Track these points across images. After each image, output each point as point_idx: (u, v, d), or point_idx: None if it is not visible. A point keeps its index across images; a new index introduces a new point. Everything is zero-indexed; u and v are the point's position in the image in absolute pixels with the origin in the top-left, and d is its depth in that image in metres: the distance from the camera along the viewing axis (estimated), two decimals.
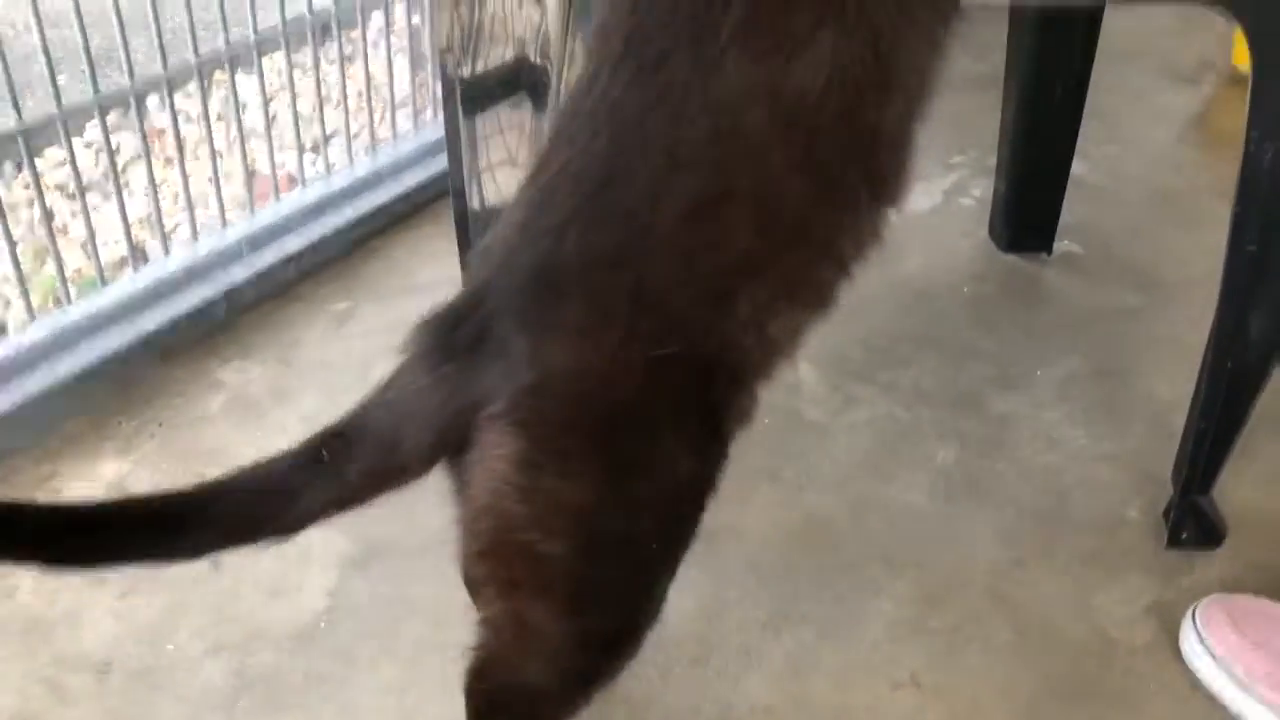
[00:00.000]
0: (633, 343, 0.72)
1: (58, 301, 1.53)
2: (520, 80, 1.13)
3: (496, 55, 1.14)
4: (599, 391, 0.73)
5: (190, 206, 1.56)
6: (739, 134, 0.71)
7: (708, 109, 0.71)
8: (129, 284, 1.49)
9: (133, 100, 1.45)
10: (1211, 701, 1.07)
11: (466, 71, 1.16)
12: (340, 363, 1.49)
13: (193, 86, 1.59)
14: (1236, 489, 1.25)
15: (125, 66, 1.42)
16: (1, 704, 1.06)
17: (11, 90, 1.31)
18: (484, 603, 0.81)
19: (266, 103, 1.68)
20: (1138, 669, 1.11)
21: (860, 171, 0.76)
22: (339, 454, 0.74)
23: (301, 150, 1.70)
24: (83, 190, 1.45)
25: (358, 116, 1.77)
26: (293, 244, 1.61)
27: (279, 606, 1.16)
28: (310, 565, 1.20)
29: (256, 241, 1.59)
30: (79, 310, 1.44)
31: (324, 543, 1.22)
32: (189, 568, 1.19)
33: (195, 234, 1.57)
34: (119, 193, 1.48)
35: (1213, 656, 1.07)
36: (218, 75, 1.73)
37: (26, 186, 1.82)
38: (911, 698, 1.08)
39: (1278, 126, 1.01)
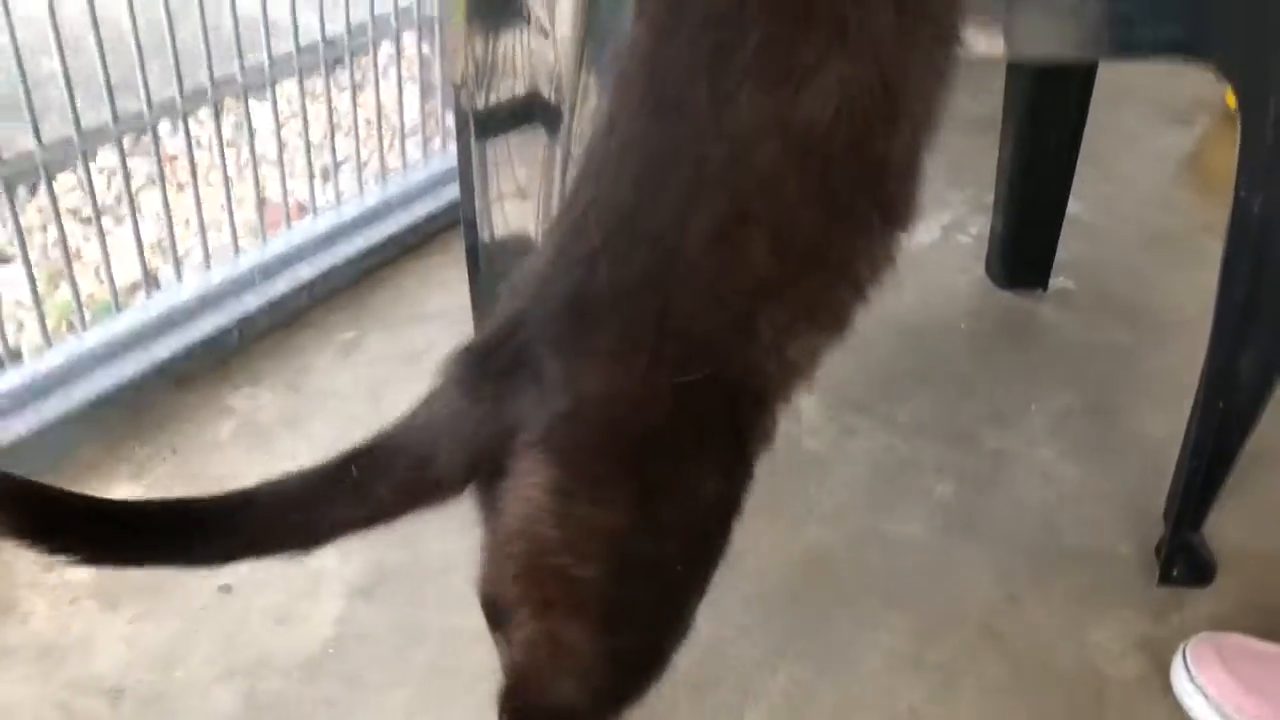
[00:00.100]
0: (661, 368, 0.75)
1: (70, 326, 1.56)
2: (533, 113, 1.16)
3: (510, 89, 1.18)
4: (630, 417, 0.75)
5: (204, 233, 1.59)
6: (754, 165, 0.74)
7: (724, 142, 0.74)
8: (143, 311, 1.52)
9: (150, 128, 1.48)
10: None
11: (480, 105, 1.19)
12: (349, 391, 1.52)
13: (204, 113, 1.62)
14: (1227, 527, 1.28)
15: (143, 93, 1.45)
16: None
17: (32, 116, 1.34)
18: (517, 624, 0.83)
19: (279, 130, 1.71)
20: (1129, 704, 1.14)
21: (871, 198, 0.79)
22: (369, 470, 0.76)
23: (312, 178, 1.73)
24: (99, 215, 1.49)
25: (368, 145, 1.81)
26: (304, 272, 1.64)
27: (288, 633, 1.18)
28: (318, 593, 1.23)
29: (269, 270, 1.62)
30: (94, 337, 1.47)
31: (331, 570, 1.25)
32: (198, 595, 1.23)
33: (208, 261, 1.60)
34: (134, 218, 1.51)
35: (1204, 695, 1.10)
36: (228, 102, 1.76)
37: (40, 210, 1.86)
38: None
39: (1265, 178, 1.04)
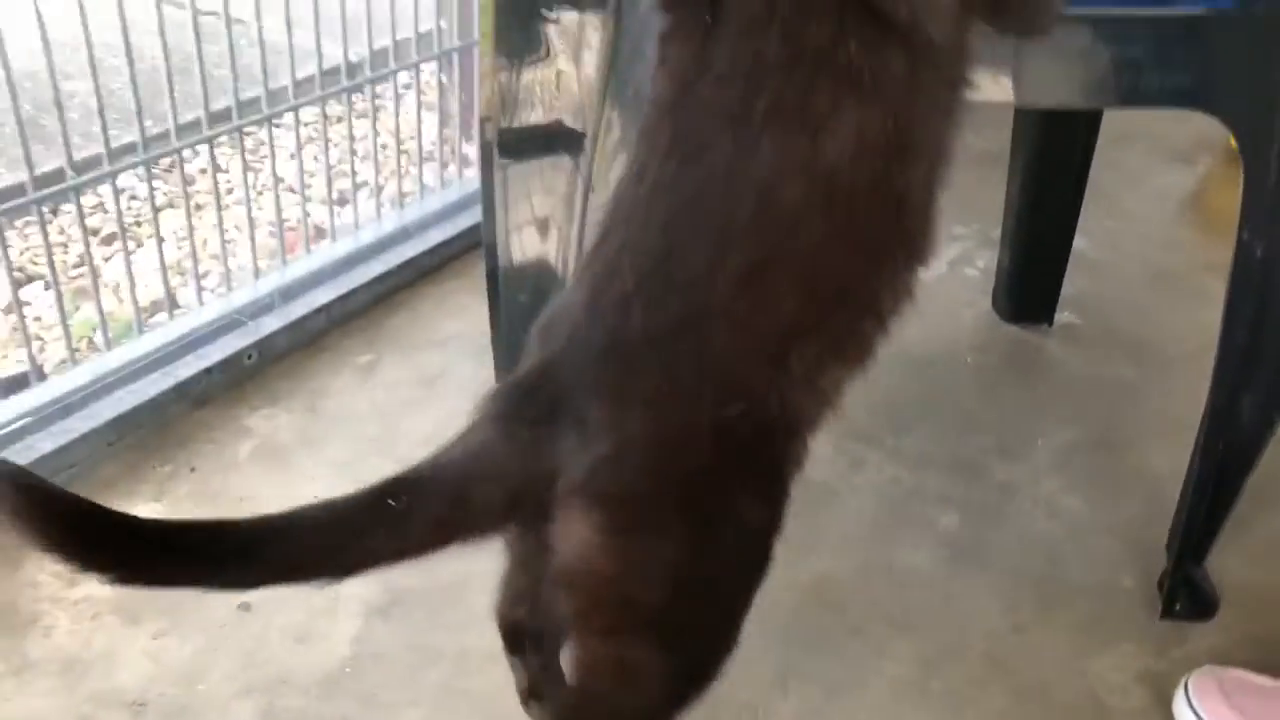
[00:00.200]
0: (701, 407, 0.77)
1: (90, 344, 1.59)
2: (556, 144, 1.20)
3: (533, 120, 1.21)
4: (673, 455, 0.77)
5: (225, 256, 1.62)
6: (781, 208, 0.77)
7: (751, 187, 0.77)
8: (164, 332, 1.55)
9: (178, 154, 1.52)
10: None
11: (504, 134, 1.22)
12: (366, 413, 1.55)
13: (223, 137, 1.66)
14: (1228, 562, 1.30)
15: (171, 120, 1.49)
16: None
17: (66, 143, 1.38)
18: (578, 650, 0.86)
19: (300, 154, 1.74)
20: None
21: (893, 235, 0.82)
22: (406, 504, 0.77)
23: (332, 203, 1.77)
24: (125, 235, 1.52)
25: (386, 171, 1.84)
26: (322, 296, 1.67)
27: (306, 652, 1.20)
28: (336, 613, 1.25)
29: (288, 293, 1.65)
30: (117, 357, 1.50)
31: (349, 591, 1.27)
32: (219, 612, 1.25)
33: (229, 284, 1.63)
34: (158, 240, 1.54)
35: None
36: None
37: (62, 231, 1.90)
38: None
39: (1268, 224, 1.07)
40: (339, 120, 1.90)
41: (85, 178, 1.41)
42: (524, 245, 1.28)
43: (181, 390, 1.50)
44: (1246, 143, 1.06)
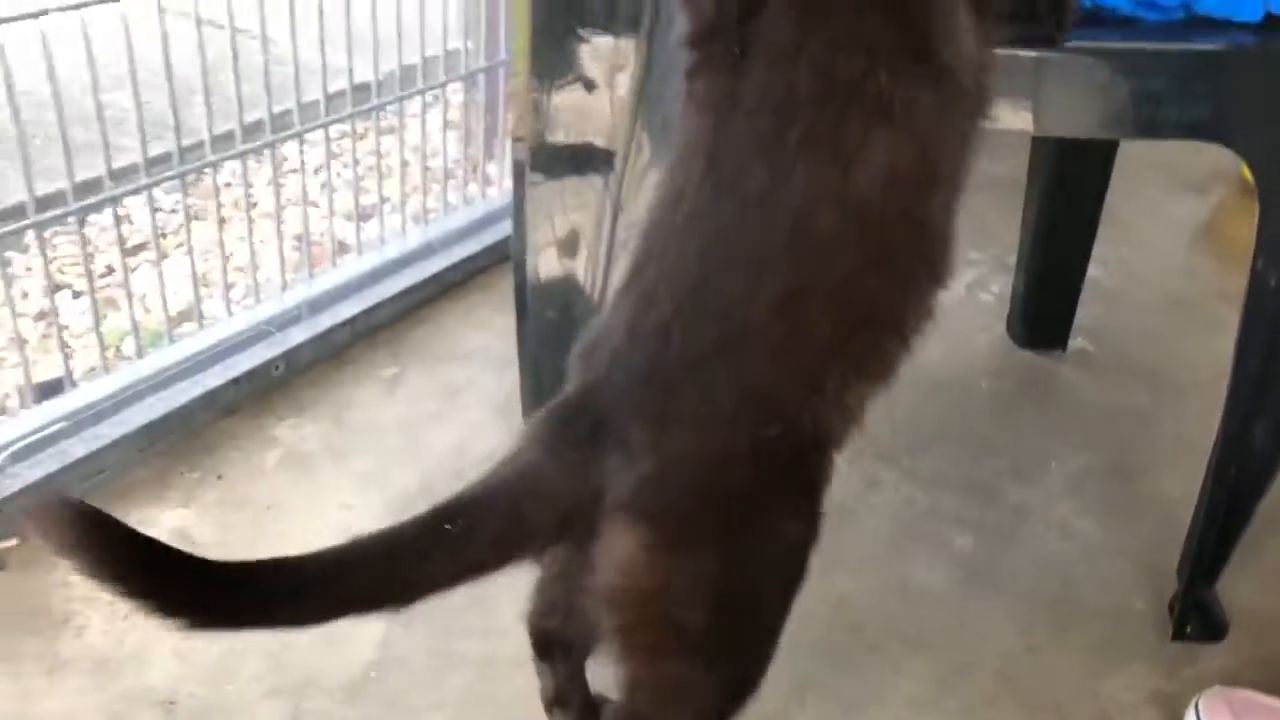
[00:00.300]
0: (739, 428, 0.80)
1: (118, 352, 1.62)
2: (586, 165, 1.23)
3: (564, 142, 1.24)
4: (714, 474, 0.80)
5: (254, 269, 1.65)
6: (814, 236, 0.80)
7: (785, 216, 0.79)
8: (194, 342, 1.58)
9: (213, 168, 1.55)
10: None
11: (536, 154, 1.25)
12: (390, 424, 1.57)
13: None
14: (1239, 586, 1.32)
15: (207, 134, 1.53)
16: None
17: (107, 155, 1.41)
18: (623, 669, 0.87)
19: (329, 170, 1.78)
20: None
21: (917, 258, 0.85)
22: (464, 525, 0.79)
23: (359, 219, 1.80)
24: (160, 247, 1.56)
25: (409, 188, 1.87)
26: (348, 309, 1.70)
27: (331, 656, 1.23)
28: (362, 620, 1.27)
29: (314, 305, 1.68)
30: (147, 366, 1.53)
31: None
32: None
33: (257, 296, 1.66)
34: (190, 251, 1.58)
35: None
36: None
37: (90, 242, 1.93)
38: None
39: None
40: (362, 137, 1.94)
41: (125, 189, 1.45)
42: (552, 262, 1.31)
43: (210, 399, 1.53)
44: (1262, 175, 1.08)
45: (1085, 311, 1.79)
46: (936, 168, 0.84)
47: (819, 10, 0.80)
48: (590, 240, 1.25)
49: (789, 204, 0.79)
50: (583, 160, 1.23)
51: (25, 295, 1.75)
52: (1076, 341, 1.79)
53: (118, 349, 1.63)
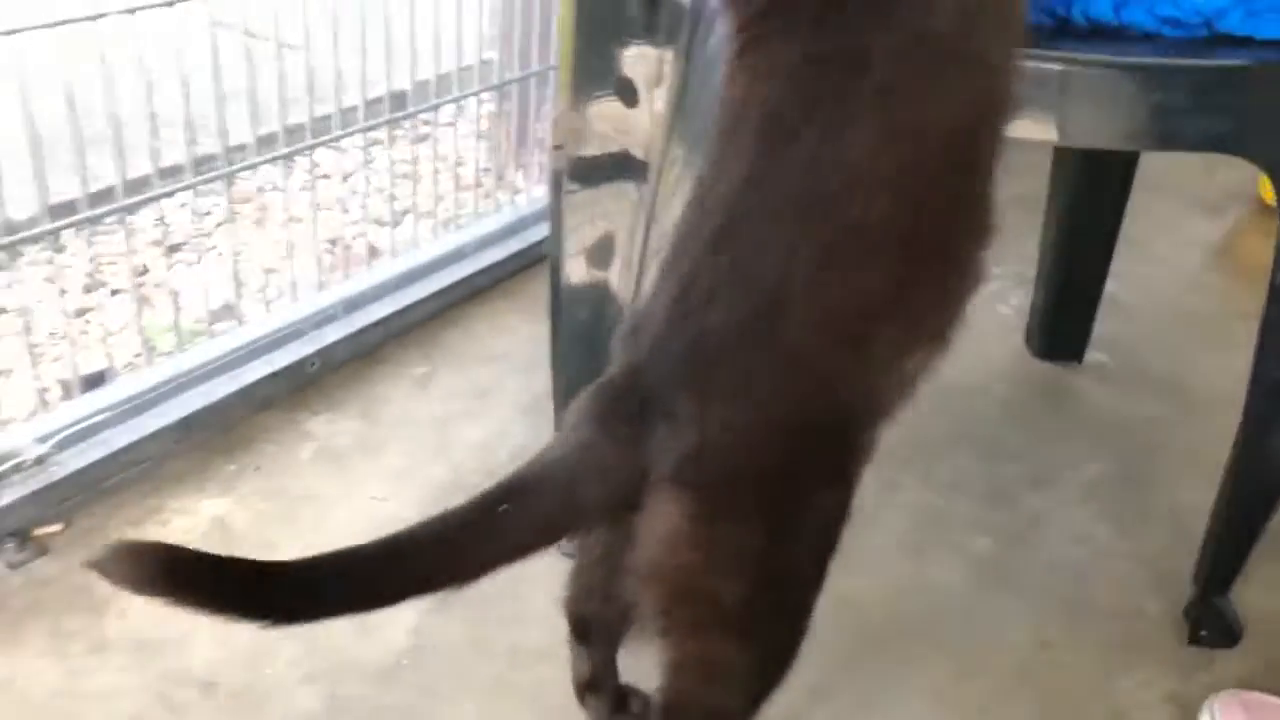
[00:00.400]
0: (782, 397, 0.81)
1: (153, 349, 1.67)
2: (622, 174, 1.27)
3: (602, 151, 1.28)
4: (757, 445, 0.81)
5: (292, 268, 1.70)
6: (872, 186, 0.80)
7: (838, 169, 0.80)
8: (232, 339, 1.62)
9: (251, 172, 1.60)
10: None
11: (574, 163, 1.29)
12: (422, 422, 1.61)
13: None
14: (1253, 592, 1.35)
15: (252, 136, 1.57)
16: (120, 710, 1.16)
17: (154, 156, 1.46)
18: (665, 649, 0.89)
19: (368, 175, 1.82)
20: None
21: (969, 211, 0.86)
22: (517, 505, 0.82)
23: (392, 223, 1.84)
24: (209, 248, 1.60)
25: (439, 194, 1.92)
26: (381, 310, 1.75)
27: (366, 642, 1.26)
28: (396, 607, 1.30)
29: (349, 305, 1.72)
30: (187, 360, 1.57)
31: None
32: None
33: (294, 295, 1.71)
34: (233, 255, 1.62)
35: None
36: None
37: (126, 241, 1.98)
38: None
39: None
40: (393, 144, 1.98)
41: (172, 186, 1.49)
42: (586, 267, 1.34)
43: (247, 393, 1.58)
44: None
45: (1102, 325, 1.82)
46: (993, 120, 0.86)
47: None
48: (623, 247, 1.29)
49: (844, 158, 0.79)
50: (619, 170, 1.26)
51: (64, 292, 1.79)
52: (1093, 354, 1.82)
53: (154, 346, 1.67)
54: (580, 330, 1.35)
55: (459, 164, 1.96)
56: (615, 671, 1.14)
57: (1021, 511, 1.51)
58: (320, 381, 1.66)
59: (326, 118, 1.68)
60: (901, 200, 0.81)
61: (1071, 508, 1.52)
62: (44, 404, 1.46)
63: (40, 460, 1.38)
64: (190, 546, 0.80)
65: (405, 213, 1.99)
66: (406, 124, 1.87)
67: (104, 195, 1.45)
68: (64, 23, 1.28)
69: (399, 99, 1.79)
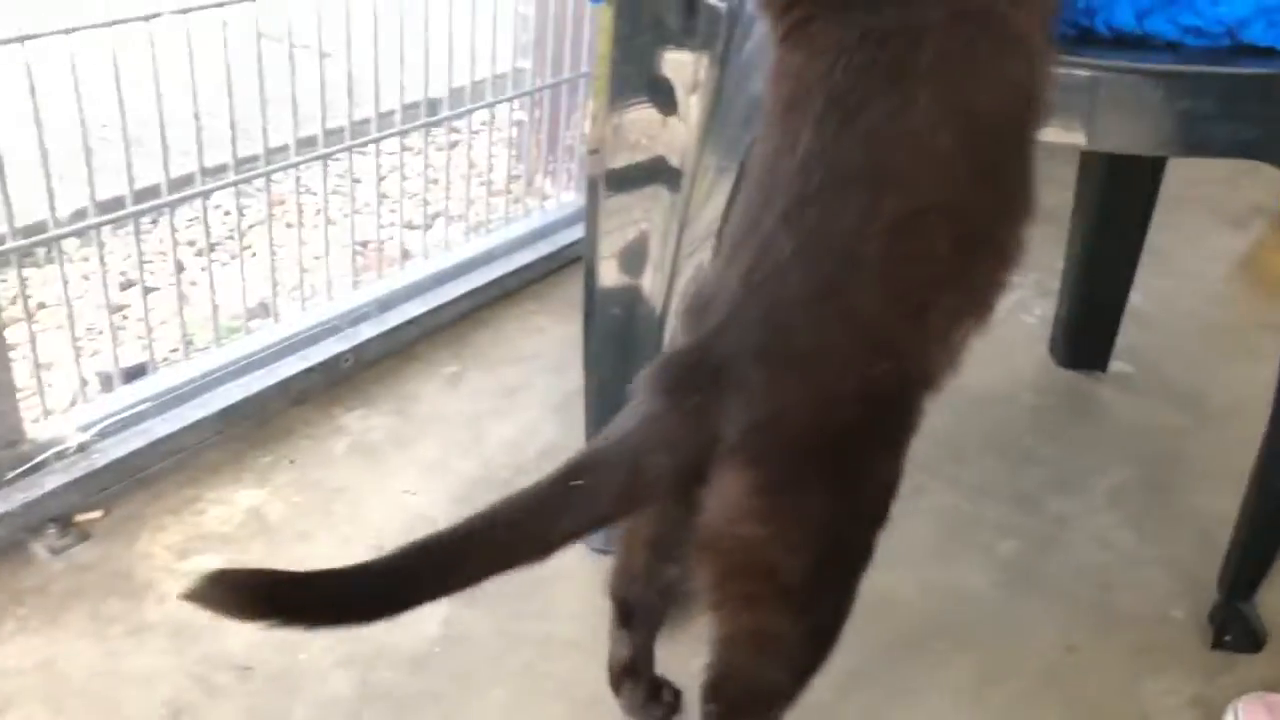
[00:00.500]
0: (850, 366, 0.83)
1: (190, 343, 1.70)
2: (656, 180, 1.29)
3: (637, 158, 1.30)
4: (825, 414, 0.83)
5: (328, 269, 1.73)
6: (932, 155, 0.83)
7: (905, 138, 0.82)
8: (270, 334, 1.65)
9: (293, 171, 1.63)
10: None
11: (609, 169, 1.32)
12: (452, 418, 1.64)
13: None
14: (1277, 597, 1.36)
15: (292, 138, 1.61)
16: (160, 693, 1.19)
17: (200, 152, 1.49)
18: (718, 624, 0.91)
19: (402, 172, 1.85)
20: None
21: (1017, 180, 0.88)
22: (590, 479, 0.84)
23: (425, 226, 1.87)
24: (244, 246, 1.63)
25: (473, 200, 1.95)
26: (414, 309, 1.78)
27: (399, 631, 1.28)
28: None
29: (383, 304, 1.75)
30: (226, 354, 1.60)
31: None
32: None
33: (330, 293, 1.74)
34: (271, 254, 1.65)
35: None
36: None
37: (161, 241, 2.01)
38: None
39: None
40: (434, 149, 2.02)
41: (213, 185, 1.53)
42: (620, 270, 1.37)
43: (283, 388, 1.61)
44: None
45: (1125, 336, 1.83)
46: (1035, 101, 0.88)
47: None
48: (657, 251, 1.31)
49: (909, 127, 0.81)
50: (653, 175, 1.29)
51: (106, 287, 1.83)
52: (1117, 364, 1.84)
53: (191, 341, 1.71)
54: (613, 331, 1.37)
55: (490, 169, 1.99)
56: (652, 660, 1.16)
57: (1047, 516, 1.53)
58: (354, 378, 1.68)
59: (364, 121, 1.72)
60: (958, 173, 0.84)
61: (1097, 514, 1.54)
62: (84, 395, 1.49)
63: (82, 448, 1.41)
64: (270, 568, 0.85)
65: (437, 216, 2.02)
66: (439, 130, 1.90)
67: (147, 193, 1.48)
68: (118, 22, 1.32)
69: (434, 105, 1.82)
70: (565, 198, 2.11)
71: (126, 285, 1.89)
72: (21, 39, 1.24)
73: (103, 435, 1.44)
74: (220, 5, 1.42)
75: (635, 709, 1.17)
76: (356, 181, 1.81)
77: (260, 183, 1.64)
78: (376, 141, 1.74)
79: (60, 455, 1.40)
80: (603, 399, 1.42)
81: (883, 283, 0.83)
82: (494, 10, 1.88)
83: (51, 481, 1.37)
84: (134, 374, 1.55)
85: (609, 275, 1.38)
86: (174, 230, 1.54)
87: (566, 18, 1.97)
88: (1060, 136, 1.10)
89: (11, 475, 1.36)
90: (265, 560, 1.37)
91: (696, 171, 1.24)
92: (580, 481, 0.84)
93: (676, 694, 1.19)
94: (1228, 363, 1.87)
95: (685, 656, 1.21)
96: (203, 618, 1.26)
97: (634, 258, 1.35)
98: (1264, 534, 1.31)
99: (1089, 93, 1.12)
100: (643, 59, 1.25)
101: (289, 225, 1.98)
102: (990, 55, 0.84)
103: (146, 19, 1.34)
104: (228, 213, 2.02)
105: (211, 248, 1.74)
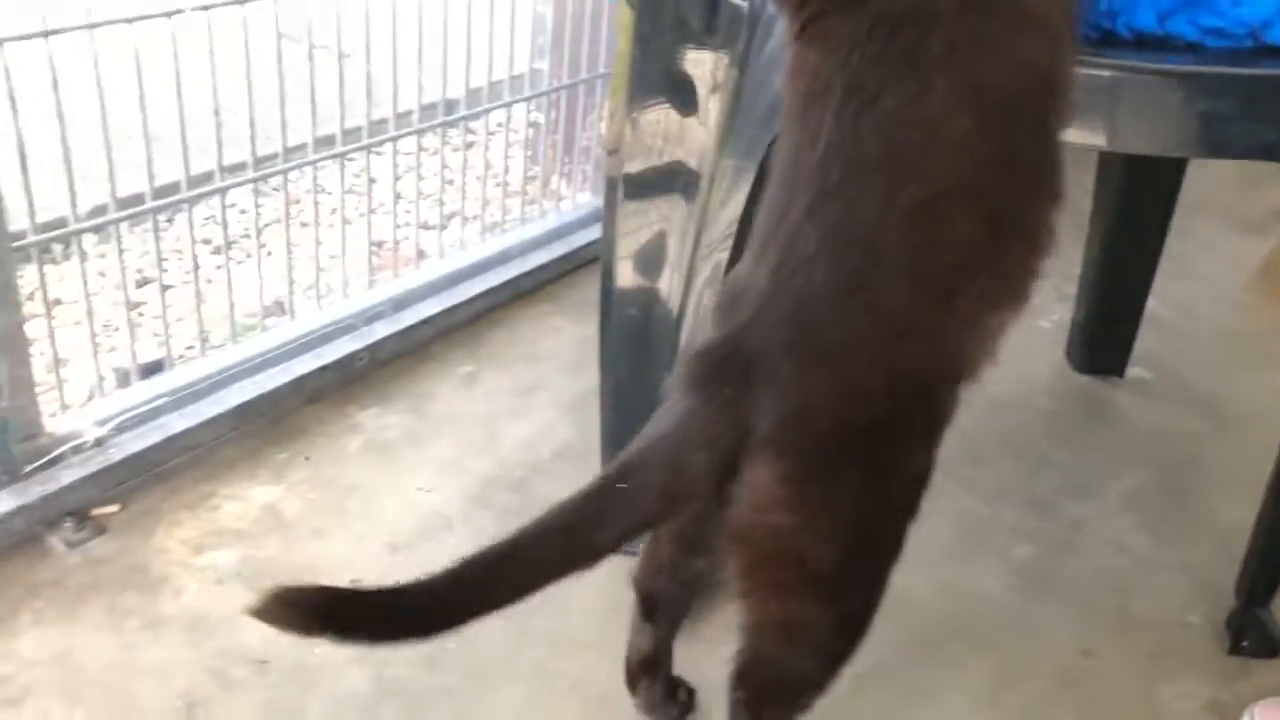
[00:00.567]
0: (878, 357, 0.83)
1: (205, 340, 1.70)
2: (673, 182, 1.29)
3: (654, 160, 1.30)
4: (854, 405, 0.83)
5: (344, 268, 1.73)
6: (949, 140, 0.82)
7: (922, 123, 0.82)
8: (285, 331, 1.66)
9: (314, 171, 1.64)
10: None
11: (626, 170, 1.32)
12: (466, 417, 1.64)
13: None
14: None
15: (310, 138, 1.61)
16: (175, 686, 1.19)
17: (219, 150, 1.50)
18: (747, 613, 0.91)
19: (419, 171, 1.86)
20: None
21: (1041, 164, 0.87)
22: (632, 482, 0.84)
23: (441, 226, 1.88)
24: (260, 244, 1.64)
25: (489, 200, 1.95)
26: (429, 308, 1.78)
27: None
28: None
29: (398, 303, 1.76)
30: (241, 351, 1.60)
31: None
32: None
33: (346, 292, 1.74)
34: (287, 252, 1.66)
35: None
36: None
37: (177, 239, 2.02)
38: None
39: None
40: (436, 151, 2.03)
41: (231, 182, 1.53)
42: (637, 270, 1.37)
43: (298, 385, 1.61)
44: None
45: (1143, 342, 1.83)
46: (1057, 84, 0.87)
47: None
48: (674, 252, 1.31)
49: (926, 111, 0.81)
50: (671, 176, 1.29)
51: (123, 285, 1.83)
52: (1134, 369, 1.83)
53: (207, 338, 1.71)
54: (630, 331, 1.37)
55: (506, 170, 2.00)
56: (671, 656, 1.16)
57: (1064, 521, 1.52)
58: (369, 376, 1.69)
59: (382, 121, 1.72)
60: (977, 155, 0.83)
61: (1113, 518, 1.53)
62: (101, 390, 1.49)
63: (100, 442, 1.42)
64: (343, 585, 0.87)
65: (452, 216, 2.03)
66: (456, 130, 1.91)
67: (165, 190, 1.49)
68: (141, 18, 1.33)
69: (450, 106, 1.83)
70: (581, 199, 2.11)
71: (143, 283, 1.90)
72: (45, 34, 1.24)
73: (119, 430, 1.44)
74: (241, 2, 1.43)
75: (650, 706, 1.17)
76: (373, 181, 1.82)
77: (277, 181, 1.65)
78: (393, 141, 1.75)
79: (77, 449, 1.40)
80: (618, 399, 1.43)
81: (906, 271, 0.83)
82: (512, 11, 1.89)
83: (68, 475, 1.37)
84: (151, 370, 1.56)
85: (626, 276, 1.38)
86: (192, 227, 1.54)
87: (584, 18, 1.98)
88: (1081, 137, 1.10)
89: (29, 469, 1.36)
90: (279, 556, 1.37)
91: (715, 173, 1.24)
92: (624, 485, 0.84)
93: (691, 693, 1.19)
94: (1246, 369, 1.86)
95: (700, 656, 1.21)
96: (219, 612, 1.29)
97: (651, 258, 1.35)
98: None
99: (1110, 93, 1.12)
100: (663, 58, 1.25)
101: (305, 225, 1.99)
102: (1005, 38, 0.84)
103: (168, 15, 1.35)
104: (244, 211, 2.03)
105: (228, 245, 1.75)
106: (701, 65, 1.22)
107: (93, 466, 1.39)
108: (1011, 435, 1.68)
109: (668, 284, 1.33)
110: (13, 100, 1.24)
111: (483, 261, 1.90)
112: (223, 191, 1.53)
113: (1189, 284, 2.08)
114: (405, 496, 1.48)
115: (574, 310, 1.89)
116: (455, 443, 1.58)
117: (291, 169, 1.62)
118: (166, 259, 1.86)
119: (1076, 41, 0.91)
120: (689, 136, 1.25)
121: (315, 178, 1.71)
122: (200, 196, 1.52)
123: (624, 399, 1.41)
